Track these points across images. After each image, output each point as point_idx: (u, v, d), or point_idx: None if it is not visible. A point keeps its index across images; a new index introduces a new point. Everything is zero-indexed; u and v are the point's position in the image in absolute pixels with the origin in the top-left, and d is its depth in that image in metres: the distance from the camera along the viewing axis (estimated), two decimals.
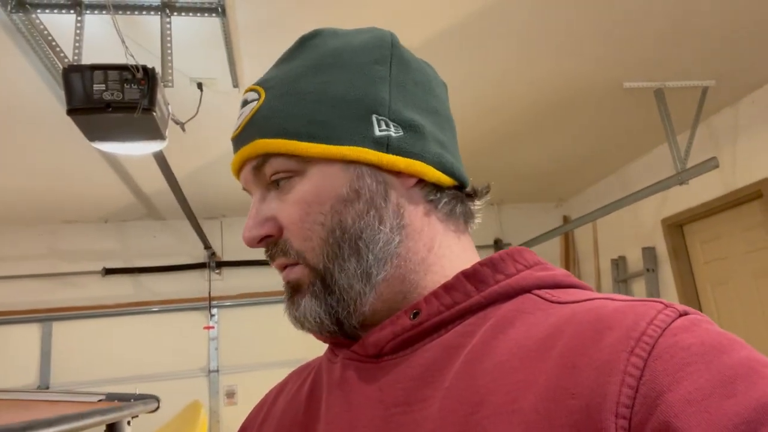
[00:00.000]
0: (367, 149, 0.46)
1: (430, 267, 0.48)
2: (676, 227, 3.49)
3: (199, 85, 2.23)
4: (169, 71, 1.75)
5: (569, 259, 4.52)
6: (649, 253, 3.63)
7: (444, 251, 0.49)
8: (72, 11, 1.69)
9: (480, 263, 0.47)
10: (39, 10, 1.68)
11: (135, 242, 4.08)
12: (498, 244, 4.47)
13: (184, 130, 1.96)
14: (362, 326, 0.49)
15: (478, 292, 0.45)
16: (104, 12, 1.66)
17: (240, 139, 0.49)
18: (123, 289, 3.96)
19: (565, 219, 4.63)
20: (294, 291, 0.48)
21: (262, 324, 3.97)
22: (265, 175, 0.48)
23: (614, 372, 0.34)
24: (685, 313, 0.37)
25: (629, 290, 3.89)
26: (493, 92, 2.60)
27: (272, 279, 4.01)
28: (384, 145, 0.47)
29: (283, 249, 0.48)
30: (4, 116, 2.35)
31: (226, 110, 2.47)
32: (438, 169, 0.49)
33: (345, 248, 0.46)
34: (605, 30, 2.15)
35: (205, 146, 2.90)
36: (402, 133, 0.48)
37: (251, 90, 0.51)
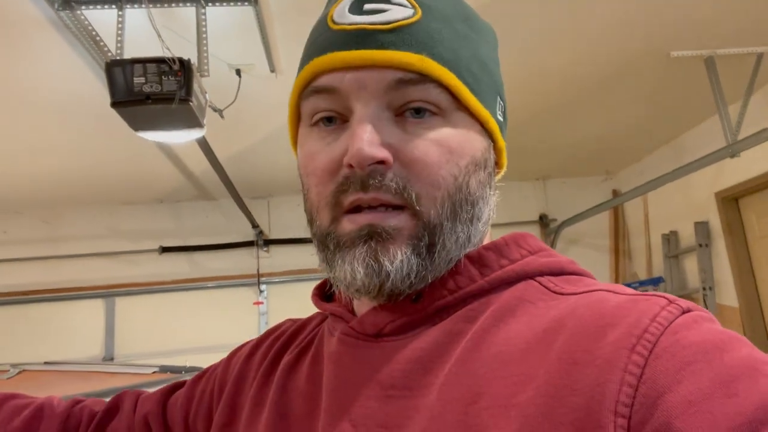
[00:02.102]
0: (497, 126, 0.47)
1: (481, 241, 0.48)
2: (730, 200, 3.34)
3: (238, 72, 2.29)
4: (205, 61, 1.82)
5: (618, 234, 4.40)
6: (702, 227, 3.50)
7: (486, 228, 0.49)
8: (114, 6, 1.77)
9: (484, 247, 0.46)
10: (83, 7, 1.77)
11: (189, 221, 4.26)
12: (543, 220, 4.41)
13: (222, 117, 2.04)
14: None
15: (482, 277, 0.44)
16: (143, 5, 1.73)
17: (383, 38, 0.42)
18: (178, 266, 4.16)
19: (615, 193, 4.50)
20: (385, 237, 0.42)
21: (308, 299, 4.09)
22: (404, 96, 0.42)
23: (615, 370, 0.33)
24: (689, 310, 0.37)
25: (681, 266, 3.77)
26: (536, 64, 2.54)
27: (316, 257, 4.10)
28: (502, 127, 0.48)
29: (398, 185, 0.42)
30: (60, 106, 2.50)
31: (266, 94, 2.53)
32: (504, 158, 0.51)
33: (464, 211, 0.44)
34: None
35: (247, 130, 2.98)
36: (502, 120, 0.48)
37: (409, 2, 0.44)
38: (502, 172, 0.51)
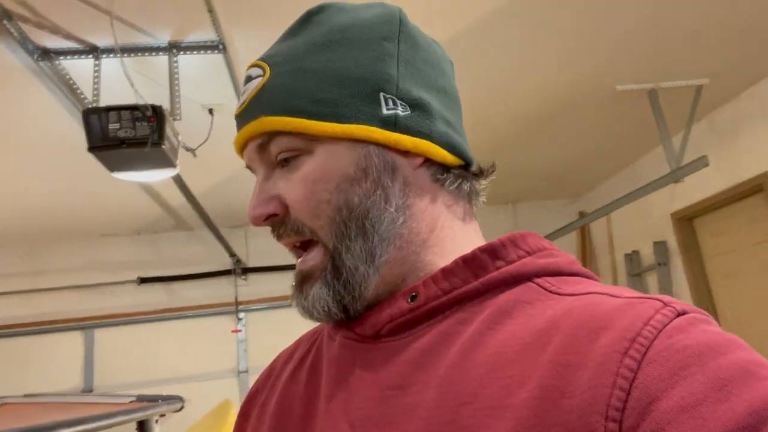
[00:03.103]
0: (374, 128, 0.46)
1: (431, 248, 0.48)
2: (685, 221, 3.53)
3: (210, 111, 2.42)
4: (178, 105, 1.95)
5: (586, 254, 4.57)
6: (661, 247, 3.68)
7: (446, 232, 0.49)
8: (90, 56, 1.89)
9: (480, 249, 0.46)
10: (62, 57, 1.89)
11: (166, 252, 4.34)
12: None
13: (195, 155, 2.16)
14: (365, 308, 0.49)
15: (476, 279, 0.45)
16: (117, 55, 1.86)
17: (244, 116, 0.48)
18: (157, 296, 4.22)
19: (581, 215, 4.68)
20: (304, 279, 0.48)
21: (288, 326, 4.17)
22: (271, 153, 0.48)
23: (607, 373, 0.34)
24: (684, 312, 0.36)
25: (643, 284, 3.94)
26: (499, 97, 2.71)
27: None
28: (391, 123, 0.46)
29: (293, 227, 0.47)
30: (40, 145, 2.60)
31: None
32: (445, 148, 0.48)
33: (352, 228, 0.46)
34: (596, 36, 2.24)
35: (220, 164, 3.10)
36: (409, 112, 0.47)
37: (255, 66, 0.50)
38: (442, 154, 0.48)
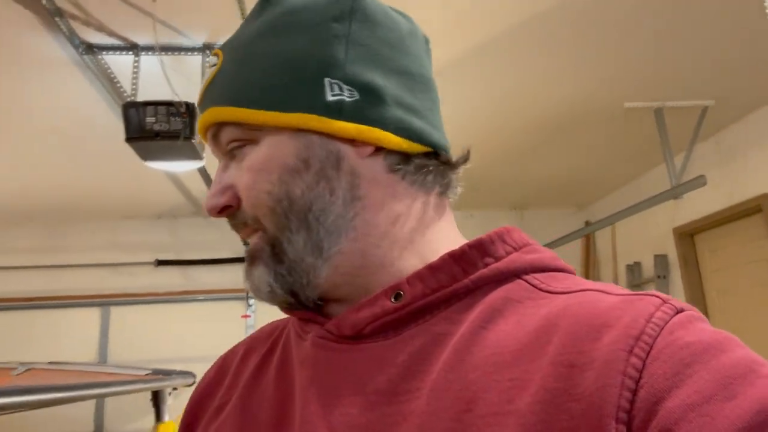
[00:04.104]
0: (315, 116, 0.43)
1: (397, 241, 0.45)
2: (686, 236, 3.63)
3: None
4: None
5: (589, 262, 4.68)
6: (662, 260, 3.78)
7: (412, 224, 0.46)
8: (131, 53, 2.05)
9: (468, 245, 0.44)
10: (104, 52, 2.05)
11: (184, 237, 4.51)
12: None
13: None
14: (327, 301, 0.47)
15: (465, 275, 0.43)
16: (156, 53, 2.01)
17: (201, 106, 0.48)
18: (172, 279, 4.40)
19: (587, 224, 4.79)
20: (251, 260, 0.46)
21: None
22: (222, 143, 0.47)
23: (614, 373, 0.33)
24: (682, 309, 0.37)
25: None
26: (514, 108, 2.85)
27: None
28: (336, 110, 0.43)
29: (243, 219, 0.46)
30: (78, 131, 2.77)
31: None
32: (401, 135, 0.45)
33: (293, 220, 0.44)
34: (607, 55, 2.36)
35: None
36: (358, 97, 0.44)
37: (214, 53, 0.49)
38: (396, 142, 0.45)
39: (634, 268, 4.11)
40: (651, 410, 0.32)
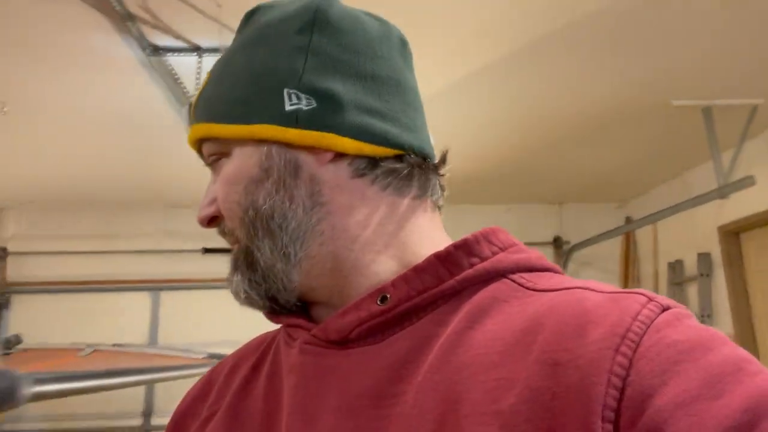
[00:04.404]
0: (272, 125, 0.45)
1: (370, 245, 0.46)
2: (732, 235, 3.59)
3: None
4: None
5: (629, 259, 4.65)
6: (705, 258, 3.75)
7: (388, 228, 0.46)
8: (195, 53, 2.16)
9: (454, 245, 0.44)
10: (169, 54, 2.16)
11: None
12: (557, 242, 4.69)
13: None
14: (312, 304, 0.49)
15: (451, 276, 0.43)
16: (219, 54, 2.11)
17: (189, 124, 0.52)
18: (219, 266, 4.49)
19: (628, 220, 4.75)
20: (232, 268, 0.49)
21: None
22: (205, 158, 0.50)
23: (600, 372, 0.33)
24: (668, 307, 0.36)
25: (684, 294, 4.01)
26: (557, 104, 2.88)
27: None
28: (293, 119, 0.44)
29: (223, 229, 0.50)
30: (140, 125, 2.93)
31: None
32: (361, 139, 0.45)
33: (258, 228, 0.46)
34: (656, 53, 2.37)
35: None
36: (315, 105, 0.45)
37: (207, 74, 0.51)
38: (357, 146, 0.45)
39: (675, 266, 4.08)
40: (638, 408, 0.31)
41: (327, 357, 0.44)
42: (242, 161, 0.46)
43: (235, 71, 0.47)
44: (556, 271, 0.46)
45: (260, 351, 0.54)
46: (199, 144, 0.49)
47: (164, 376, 2.16)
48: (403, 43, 0.52)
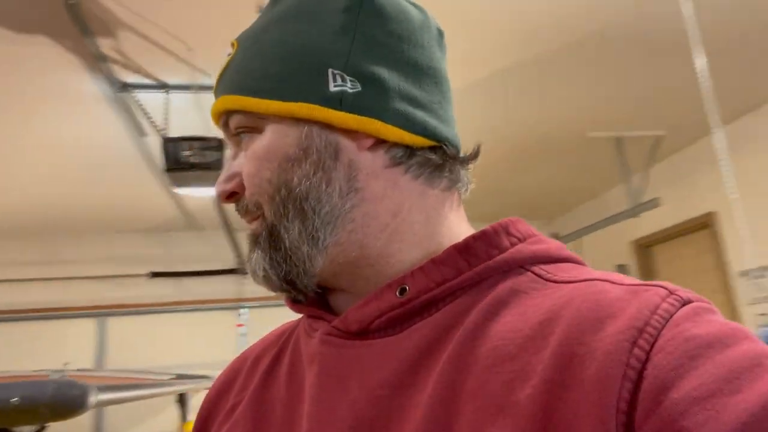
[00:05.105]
0: (316, 106, 0.44)
1: (397, 234, 0.45)
2: (644, 248, 4.04)
3: None
4: None
5: None
6: (623, 269, 4.18)
7: (416, 217, 0.46)
8: (162, 90, 2.31)
9: (473, 237, 0.44)
10: (137, 90, 2.30)
11: (177, 249, 4.72)
12: None
13: None
14: (331, 291, 0.49)
15: (470, 268, 0.43)
16: (187, 91, 2.27)
17: (215, 94, 0.49)
18: (166, 290, 4.59)
19: (555, 236, 5.18)
20: (251, 244, 0.47)
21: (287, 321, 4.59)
22: (230, 131, 0.48)
23: (616, 365, 0.33)
24: (689, 301, 0.36)
25: None
26: (492, 134, 3.22)
27: None
28: (337, 101, 0.44)
29: (244, 206, 0.47)
30: (101, 158, 3.01)
31: None
32: (403, 128, 0.45)
33: (290, 208, 0.44)
34: (573, 90, 2.75)
35: None
36: (360, 89, 0.44)
37: (231, 43, 0.50)
38: (398, 135, 0.45)
39: None
40: (654, 402, 0.31)
41: (347, 348, 0.44)
42: (277, 138, 0.45)
43: (272, 44, 0.46)
44: (576, 262, 0.45)
45: (282, 341, 0.54)
46: (225, 116, 0.48)
47: (171, 390, 2.26)
48: (441, 34, 0.52)
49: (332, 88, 0.44)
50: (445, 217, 0.48)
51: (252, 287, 4.67)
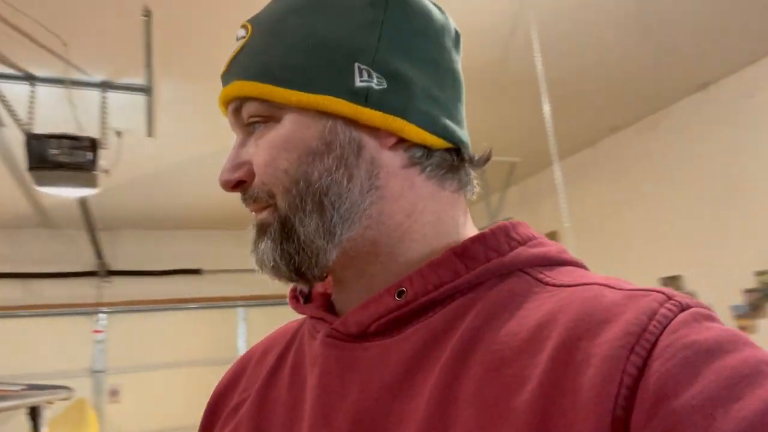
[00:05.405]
0: (342, 100, 0.43)
1: (409, 234, 0.45)
2: None
3: (118, 134, 2.74)
4: (105, 137, 2.28)
5: None
6: None
7: (427, 218, 0.46)
8: (27, 83, 2.17)
9: (471, 239, 0.44)
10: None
11: (25, 248, 4.32)
12: None
13: (108, 174, 2.48)
14: (334, 291, 0.49)
15: (467, 271, 0.43)
16: (55, 85, 2.16)
17: (225, 78, 0.47)
18: (12, 292, 4.19)
19: None
20: (259, 233, 0.46)
21: (150, 329, 4.40)
22: (243, 118, 0.46)
23: (613, 371, 0.33)
24: (688, 306, 0.35)
25: None
26: None
27: (160, 288, 4.46)
28: (362, 97, 0.43)
29: (253, 195, 0.46)
30: None
31: (139, 152, 2.99)
32: (425, 128, 0.45)
33: (308, 202, 0.44)
34: None
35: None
36: (386, 86, 0.44)
37: (243, 26, 0.48)
38: (421, 135, 0.45)
39: None
40: (652, 409, 0.31)
41: (347, 350, 0.44)
42: (298, 129, 0.44)
43: (296, 33, 0.45)
44: (577, 265, 0.45)
45: (286, 340, 0.54)
46: (237, 102, 0.46)
47: (22, 403, 2.10)
48: (458, 36, 0.51)
49: (358, 83, 0.43)
50: (454, 218, 0.48)
51: (111, 291, 4.42)
